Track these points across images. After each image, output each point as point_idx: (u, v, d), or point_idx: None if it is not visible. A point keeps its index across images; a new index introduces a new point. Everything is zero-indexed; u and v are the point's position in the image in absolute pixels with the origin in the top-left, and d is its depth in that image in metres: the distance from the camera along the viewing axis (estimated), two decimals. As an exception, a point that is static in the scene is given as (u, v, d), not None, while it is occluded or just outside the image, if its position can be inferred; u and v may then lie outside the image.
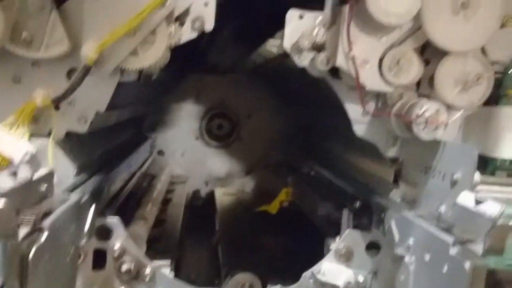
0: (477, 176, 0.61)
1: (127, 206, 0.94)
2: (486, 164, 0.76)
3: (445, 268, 0.49)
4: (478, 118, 0.75)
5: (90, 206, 0.57)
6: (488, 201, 0.48)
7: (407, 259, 0.58)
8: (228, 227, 1.09)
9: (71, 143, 0.68)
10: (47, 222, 0.41)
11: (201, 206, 1.41)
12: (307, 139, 1.35)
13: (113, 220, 0.66)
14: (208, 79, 1.57)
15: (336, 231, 0.78)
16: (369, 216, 0.73)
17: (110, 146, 0.92)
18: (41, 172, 0.49)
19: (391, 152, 0.77)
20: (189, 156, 1.61)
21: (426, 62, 0.72)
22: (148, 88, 1.13)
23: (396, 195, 0.74)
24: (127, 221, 0.84)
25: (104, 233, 0.66)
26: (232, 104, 1.60)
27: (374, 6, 0.61)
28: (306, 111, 1.26)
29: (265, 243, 1.04)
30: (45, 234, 0.40)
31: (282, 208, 1.17)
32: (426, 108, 0.64)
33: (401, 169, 0.77)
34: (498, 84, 0.76)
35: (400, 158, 0.77)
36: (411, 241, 0.58)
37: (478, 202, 0.50)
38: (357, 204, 0.77)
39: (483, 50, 0.69)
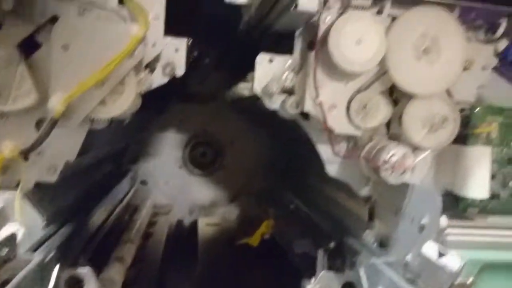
0: (444, 221, 0.62)
1: (105, 246, 0.93)
2: (458, 201, 0.77)
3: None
4: (449, 156, 0.76)
5: (56, 264, 0.56)
6: (449, 254, 0.49)
7: (376, 307, 0.58)
8: (210, 260, 1.08)
9: (41, 193, 0.67)
10: (4, 292, 0.41)
11: (184, 238, 1.40)
12: (288, 170, 1.36)
13: (83, 271, 0.65)
14: (190, 108, 1.58)
15: (312, 271, 0.78)
16: (343, 257, 0.73)
17: (85, 187, 0.92)
18: (2, 234, 0.49)
19: (364, 191, 0.77)
20: (173, 185, 1.61)
21: (396, 102, 0.74)
22: (127, 124, 1.13)
23: (369, 235, 0.75)
24: (104, 263, 0.84)
25: (74, 284, 0.65)
26: (215, 132, 1.61)
27: (338, 55, 0.62)
28: (287, 141, 1.27)
29: (246, 277, 1.03)
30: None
31: (263, 240, 1.17)
32: (393, 152, 0.65)
33: (375, 207, 0.78)
34: (467, 123, 0.77)
35: (373, 197, 0.78)
36: (380, 289, 0.58)
37: (441, 254, 0.50)
38: (332, 244, 0.77)
39: (448, 92, 0.71)
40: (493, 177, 0.78)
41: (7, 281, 0.43)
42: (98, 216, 0.96)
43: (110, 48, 0.62)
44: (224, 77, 1.49)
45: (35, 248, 0.57)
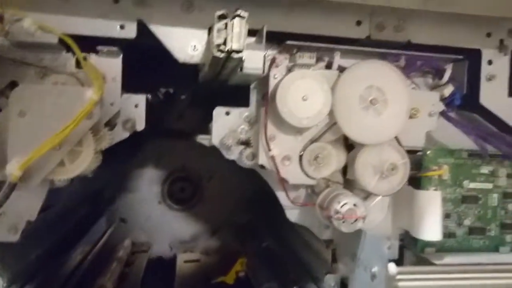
0: (393, 268, 0.64)
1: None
2: (415, 241, 0.80)
3: None
4: (405, 198, 0.79)
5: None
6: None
7: None
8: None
9: (3, 252, 0.68)
10: None
11: (162, 277, 1.40)
12: (263, 206, 1.38)
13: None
14: (168, 144, 1.60)
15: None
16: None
17: (54, 239, 0.93)
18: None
19: (325, 235, 0.80)
20: (152, 221, 1.61)
21: (351, 147, 0.77)
22: (103, 166, 1.15)
23: (330, 279, 0.76)
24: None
25: None
26: (193, 167, 1.62)
27: (285, 112, 0.65)
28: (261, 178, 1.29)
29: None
30: None
31: (238, 278, 1.18)
32: (344, 203, 0.67)
33: (336, 250, 0.80)
34: (419, 166, 0.80)
35: (335, 241, 0.80)
36: None
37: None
38: (294, 289, 0.79)
39: (397, 139, 0.74)
40: (448, 216, 0.81)
41: None
42: (70, 265, 0.96)
43: (67, 112, 0.64)
44: (201, 113, 1.52)
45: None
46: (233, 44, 0.53)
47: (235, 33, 0.53)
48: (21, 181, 0.63)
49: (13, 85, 0.67)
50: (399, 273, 0.63)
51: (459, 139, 0.82)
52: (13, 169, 0.62)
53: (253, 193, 1.54)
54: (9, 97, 0.64)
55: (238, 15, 0.53)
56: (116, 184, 1.54)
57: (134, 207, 1.59)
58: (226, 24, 0.54)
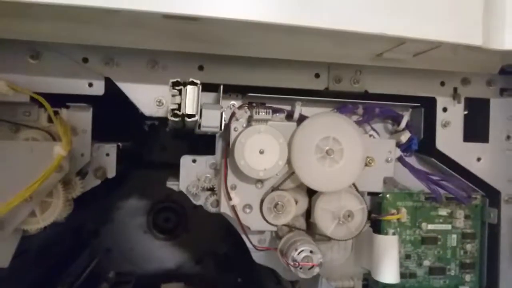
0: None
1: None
2: (377, 282, 0.82)
3: None
4: (366, 240, 0.82)
5: None
6: None
7: None
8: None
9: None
10: None
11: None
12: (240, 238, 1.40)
13: None
14: (152, 174, 1.63)
15: None
16: None
17: (30, 282, 0.95)
18: None
19: (290, 277, 0.83)
20: (138, 251, 1.64)
21: (313, 192, 0.80)
22: (83, 202, 1.18)
23: (293, 320, 0.79)
24: None
25: None
26: (178, 197, 1.66)
27: (242, 164, 0.69)
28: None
29: None
30: None
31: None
32: (301, 250, 0.70)
33: (301, 291, 0.83)
34: (379, 209, 0.84)
35: (300, 282, 0.83)
36: None
37: None
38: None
39: (355, 186, 0.78)
40: (409, 257, 0.85)
41: None
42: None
43: (38, 165, 0.68)
44: (184, 144, 1.56)
45: None
46: (187, 109, 0.57)
47: (189, 100, 0.57)
48: (-7, 232, 0.67)
49: (-14, 140, 0.71)
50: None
51: (419, 182, 0.85)
52: (-16, 222, 0.65)
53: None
54: (-18, 152, 0.68)
55: (191, 82, 0.58)
56: (99, 217, 1.56)
57: (119, 237, 1.61)
58: (180, 91, 0.58)
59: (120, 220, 1.63)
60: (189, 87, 0.57)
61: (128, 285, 1.45)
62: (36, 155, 0.69)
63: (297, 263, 0.69)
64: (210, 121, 0.64)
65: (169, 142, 1.59)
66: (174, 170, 0.84)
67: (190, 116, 0.58)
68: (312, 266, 0.70)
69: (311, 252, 0.70)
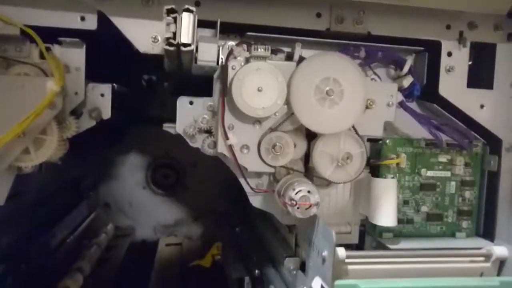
0: (342, 252, 0.67)
1: (53, 277, 0.97)
2: (374, 226, 0.83)
3: None
4: (365, 185, 0.81)
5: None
6: (327, 289, 0.54)
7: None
8: (162, 282, 1.12)
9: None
10: None
11: (142, 260, 1.44)
12: (239, 192, 1.41)
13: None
14: (151, 131, 1.62)
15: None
16: (262, 285, 0.78)
17: (28, 224, 0.96)
18: None
19: (286, 221, 0.82)
20: (136, 206, 1.65)
21: (313, 136, 0.79)
22: (79, 154, 1.17)
23: (289, 262, 0.79)
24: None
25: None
26: (177, 155, 1.65)
27: (241, 102, 0.67)
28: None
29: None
30: None
31: (215, 261, 1.21)
32: (298, 190, 0.70)
33: (297, 236, 0.83)
34: (379, 154, 0.83)
35: (296, 226, 0.83)
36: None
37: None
38: (257, 272, 0.82)
39: (355, 129, 0.76)
40: (407, 202, 0.84)
41: None
42: (46, 249, 0.99)
43: (30, 102, 0.66)
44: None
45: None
46: (182, 38, 0.55)
47: (184, 27, 0.55)
48: (-14, 167, 0.66)
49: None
50: (348, 257, 0.66)
51: (419, 129, 0.84)
52: (-23, 157, 0.64)
53: (232, 181, 1.57)
54: (-26, 87, 0.66)
55: (187, 9, 0.55)
56: (98, 171, 1.57)
57: (118, 192, 1.62)
58: (175, 19, 0.55)
59: (119, 176, 1.63)
60: (184, 14, 0.55)
61: (127, 238, 1.47)
62: (28, 91, 0.67)
63: (294, 202, 0.68)
64: (207, 55, 0.62)
65: (167, 98, 1.57)
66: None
67: (185, 45, 0.56)
68: (310, 206, 0.70)
69: (308, 192, 0.70)
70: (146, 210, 1.64)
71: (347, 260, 0.67)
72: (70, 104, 0.73)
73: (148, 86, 1.62)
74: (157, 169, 1.66)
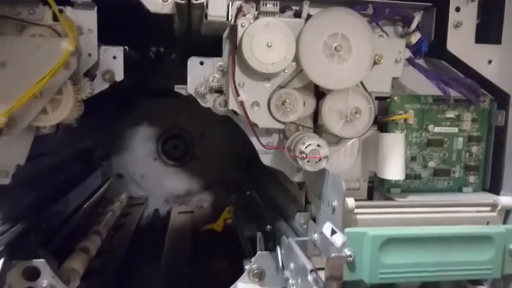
0: (351, 202, 0.70)
1: (71, 239, 1.01)
2: (382, 182, 0.85)
3: (308, 291, 0.57)
4: (373, 142, 0.83)
5: (1, 257, 0.64)
6: (338, 232, 0.56)
7: (290, 281, 0.66)
8: (175, 249, 1.16)
9: (-4, 195, 0.75)
10: None
11: (155, 227, 1.48)
12: (249, 157, 1.43)
13: (39, 261, 0.73)
14: (160, 103, 1.64)
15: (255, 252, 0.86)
16: (275, 239, 0.81)
17: (47, 187, 0.99)
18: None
19: (297, 178, 0.85)
20: (148, 177, 1.69)
21: (322, 94, 0.80)
22: (92, 124, 1.20)
23: (300, 217, 0.82)
24: (68, 253, 0.91)
25: (31, 274, 0.73)
26: (185, 125, 1.68)
27: (250, 58, 0.69)
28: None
29: (207, 263, 1.11)
30: None
31: (226, 225, 1.25)
32: (308, 143, 0.72)
33: (307, 192, 0.85)
34: (387, 111, 0.84)
35: (306, 182, 0.85)
36: (292, 265, 0.66)
37: (333, 232, 0.58)
38: (268, 228, 0.85)
39: (363, 85, 0.77)
40: (414, 158, 0.86)
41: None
42: (63, 211, 1.03)
43: (45, 62, 0.68)
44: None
45: (-15, 246, 0.64)
46: (193, -9, 0.56)
47: (194, -20, 0.56)
48: (7, 127, 0.68)
49: (-8, 38, 0.71)
50: (357, 207, 0.69)
51: (427, 86, 0.85)
52: (-2, 116, 0.67)
53: (240, 149, 1.60)
54: (-9, 48, 0.68)
55: (197, -37, 0.56)
56: (109, 142, 1.60)
57: (130, 163, 1.66)
58: (185, -29, 0.56)
59: (131, 148, 1.66)
60: (194, -33, 0.56)
61: (141, 207, 1.51)
62: (43, 52, 0.69)
63: (304, 155, 0.71)
64: (217, 10, 0.63)
65: (176, 69, 1.58)
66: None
67: (196, -2, 0.57)
68: (320, 159, 0.72)
69: (318, 145, 0.72)
70: (157, 181, 1.68)
71: (356, 210, 0.69)
72: (84, 66, 0.75)
73: (156, 57, 1.63)
74: (167, 140, 1.69)
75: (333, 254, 0.52)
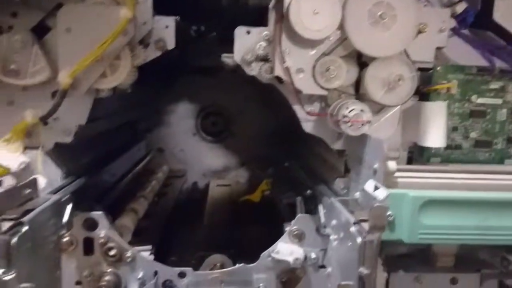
0: (393, 165, 0.72)
1: (122, 199, 1.08)
2: (422, 152, 0.86)
3: (349, 243, 0.60)
4: (414, 112, 0.84)
5: (69, 203, 0.71)
6: (381, 188, 0.59)
7: (331, 237, 0.70)
8: (214, 216, 1.22)
9: (60, 152, 0.81)
10: (27, 218, 0.55)
11: (195, 197, 1.55)
12: (286, 132, 1.47)
13: (97, 214, 0.80)
14: (200, 80, 1.69)
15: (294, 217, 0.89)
16: (315, 202, 0.84)
17: (101, 149, 1.06)
18: (27, 179, 0.63)
19: (337, 145, 0.87)
20: (188, 151, 1.75)
21: (364, 64, 0.82)
22: (139, 96, 1.26)
23: (340, 183, 0.85)
24: (118, 214, 0.98)
25: (90, 224, 0.80)
26: (224, 102, 1.72)
27: (297, 25, 0.72)
28: (283, 105, 1.37)
29: (245, 229, 1.16)
30: (25, 227, 0.54)
31: (264, 196, 1.29)
32: (352, 108, 0.74)
33: (347, 160, 0.88)
34: (429, 81, 0.85)
35: (346, 150, 0.87)
36: (334, 222, 0.69)
37: (376, 188, 0.61)
38: (308, 192, 0.88)
39: (406, 53, 0.78)
40: (455, 129, 0.87)
41: (28, 212, 0.57)
42: (114, 174, 1.10)
43: (106, 28, 0.73)
44: (229, 50, 1.59)
45: (54, 193, 0.71)
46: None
47: None
48: (71, 88, 0.74)
49: (59, 6, 0.77)
50: (398, 170, 0.71)
51: (471, 57, 0.85)
52: (64, 78, 0.73)
53: (277, 128, 1.63)
54: (57, 15, 0.74)
55: None
56: (153, 116, 1.67)
57: (170, 138, 1.73)
58: None
59: (171, 123, 1.73)
60: None
61: (181, 179, 1.57)
62: (103, 18, 0.74)
63: (347, 119, 0.73)
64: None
65: (216, 47, 1.62)
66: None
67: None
68: (362, 124, 0.74)
69: (361, 110, 0.74)
70: (196, 156, 1.74)
71: (397, 174, 0.71)
72: (139, 33, 0.80)
73: (197, 35, 1.67)
74: (206, 117, 1.74)
75: (376, 204, 0.55)
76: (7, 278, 0.50)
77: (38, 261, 0.59)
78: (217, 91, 1.71)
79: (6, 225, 0.52)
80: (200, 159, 1.74)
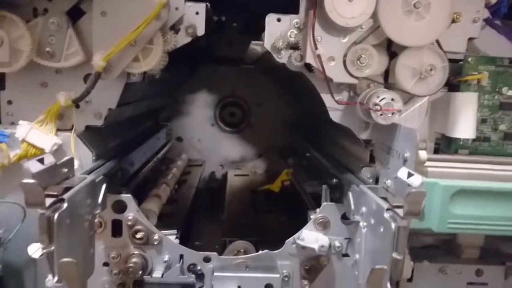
0: (424, 154, 0.72)
1: (144, 186, 1.09)
2: (450, 143, 0.86)
3: (381, 229, 0.60)
4: (443, 103, 0.84)
5: (103, 184, 0.72)
6: (415, 174, 0.59)
7: (361, 224, 0.70)
8: (234, 204, 1.23)
9: (90, 135, 0.83)
10: (67, 195, 0.56)
11: (214, 186, 1.56)
12: (307, 125, 1.46)
13: (126, 196, 0.81)
14: (219, 70, 1.70)
15: (319, 206, 0.90)
16: (341, 191, 0.85)
17: (126, 135, 1.08)
18: (64, 159, 0.65)
19: (364, 135, 0.87)
20: (205, 141, 1.76)
21: (394, 54, 0.82)
22: (162, 84, 1.27)
23: (366, 172, 0.85)
24: (143, 198, 1.00)
25: (119, 207, 0.82)
26: (243, 94, 1.73)
27: (331, 12, 0.71)
28: (305, 96, 1.37)
29: (266, 217, 1.17)
30: (65, 204, 0.55)
31: (284, 186, 1.30)
32: (383, 97, 0.74)
33: (374, 150, 0.88)
34: (460, 72, 0.84)
35: (373, 140, 0.87)
36: (363, 209, 0.70)
37: (410, 175, 0.61)
38: (334, 181, 0.89)
39: (438, 43, 0.78)
40: (484, 121, 0.86)
41: (67, 189, 0.58)
42: (138, 160, 1.12)
43: (140, 13, 0.74)
44: (248, 42, 1.59)
45: (87, 174, 0.72)
46: None
47: None
48: (105, 71, 0.75)
49: (95, -10, 0.77)
50: (429, 159, 0.71)
51: (503, 49, 0.84)
52: (98, 61, 0.74)
53: (295, 119, 1.63)
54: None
55: None
56: (173, 106, 1.68)
57: (189, 128, 1.74)
58: None
59: (190, 113, 1.74)
60: None
61: (200, 167, 1.58)
62: (138, 3, 0.75)
63: (379, 107, 0.73)
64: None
65: (236, 37, 1.63)
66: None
67: None
68: (393, 113, 0.74)
69: (392, 99, 0.74)
70: (214, 146, 1.75)
71: (427, 163, 0.71)
72: (171, 19, 0.80)
73: (218, 26, 1.68)
74: (225, 107, 1.75)
75: (413, 189, 0.55)
76: (49, 250, 0.51)
77: (75, 238, 0.60)
78: (236, 82, 1.72)
79: (48, 201, 0.53)
80: (218, 150, 1.76)
